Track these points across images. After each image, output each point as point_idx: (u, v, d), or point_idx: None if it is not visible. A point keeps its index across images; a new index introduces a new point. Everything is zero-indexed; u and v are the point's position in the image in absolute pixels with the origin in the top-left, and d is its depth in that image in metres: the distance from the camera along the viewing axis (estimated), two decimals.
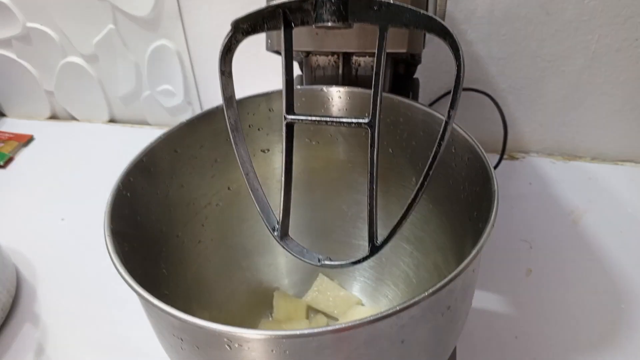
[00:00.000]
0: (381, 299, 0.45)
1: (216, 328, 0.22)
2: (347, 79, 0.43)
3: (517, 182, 0.62)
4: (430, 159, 0.25)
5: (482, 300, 0.48)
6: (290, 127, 0.28)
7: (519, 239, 0.54)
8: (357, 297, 0.46)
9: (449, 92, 0.64)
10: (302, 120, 0.28)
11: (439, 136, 0.25)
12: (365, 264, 0.47)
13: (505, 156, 0.64)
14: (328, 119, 0.27)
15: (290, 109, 0.28)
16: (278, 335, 0.22)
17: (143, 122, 0.77)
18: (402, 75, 0.47)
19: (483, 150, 0.32)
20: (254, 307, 0.46)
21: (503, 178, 0.62)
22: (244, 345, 0.23)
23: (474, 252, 0.25)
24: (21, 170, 0.71)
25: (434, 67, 0.63)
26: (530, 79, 0.61)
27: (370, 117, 0.26)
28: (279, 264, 0.47)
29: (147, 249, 0.35)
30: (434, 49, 0.62)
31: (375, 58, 0.24)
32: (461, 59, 0.25)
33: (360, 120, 0.26)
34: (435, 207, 0.39)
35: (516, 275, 0.50)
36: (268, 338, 0.22)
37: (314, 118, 0.27)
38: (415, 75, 0.50)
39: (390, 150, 0.41)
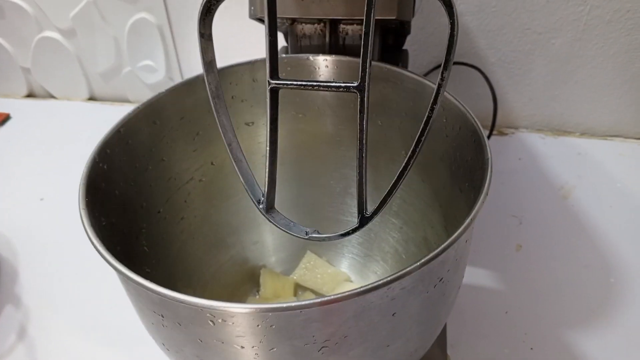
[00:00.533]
0: (370, 275, 0.45)
1: (198, 302, 0.21)
2: (334, 48, 0.42)
3: (506, 158, 0.61)
4: (423, 125, 0.24)
5: (472, 276, 0.47)
6: (274, 92, 0.27)
7: (509, 214, 0.54)
8: (346, 273, 0.45)
9: (439, 66, 0.62)
10: (287, 85, 0.26)
11: (432, 100, 0.24)
12: (353, 239, 0.46)
13: (494, 132, 0.63)
14: (314, 83, 0.26)
15: (274, 74, 0.27)
16: (263, 308, 0.21)
17: (124, 100, 0.75)
18: (391, 46, 0.46)
19: (475, 118, 0.31)
20: (240, 285, 0.45)
21: (493, 154, 0.62)
22: (228, 321, 0.22)
23: (467, 220, 0.24)
24: None
25: (422, 40, 0.61)
26: (520, 52, 0.60)
27: (359, 80, 0.25)
28: (266, 241, 0.46)
29: (127, 225, 0.34)
30: (422, 21, 0.60)
31: (365, 11, 0.23)
32: (455, 17, 0.23)
33: (349, 84, 0.25)
34: (424, 179, 0.38)
35: (506, 251, 0.50)
36: (253, 312, 0.21)
37: (300, 82, 0.26)
38: (404, 47, 0.48)
39: (379, 122, 0.39)
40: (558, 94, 0.63)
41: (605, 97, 0.61)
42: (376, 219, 0.27)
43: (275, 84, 0.27)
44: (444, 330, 0.42)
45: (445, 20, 0.64)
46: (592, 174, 0.58)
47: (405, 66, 0.46)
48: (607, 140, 0.63)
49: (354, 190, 0.46)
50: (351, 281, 0.45)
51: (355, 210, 0.29)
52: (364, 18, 0.24)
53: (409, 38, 0.48)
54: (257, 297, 0.44)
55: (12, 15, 0.69)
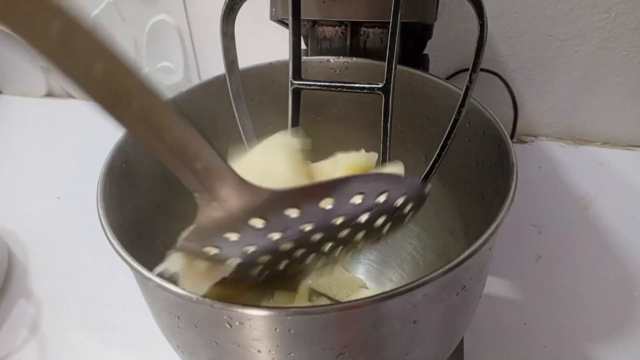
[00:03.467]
0: (386, 282, 0.44)
1: (216, 305, 0.21)
2: (354, 51, 0.41)
3: (525, 166, 0.60)
4: (449, 127, 0.24)
5: (490, 285, 0.46)
6: (297, 93, 0.27)
7: (529, 223, 0.53)
8: (362, 280, 0.45)
9: (458, 72, 0.62)
10: (310, 85, 0.26)
11: (459, 102, 0.23)
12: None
13: (513, 139, 0.63)
14: (338, 84, 0.25)
15: (297, 74, 0.26)
16: (282, 311, 0.21)
17: None
18: (412, 50, 0.45)
19: (500, 123, 0.30)
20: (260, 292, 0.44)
21: None
22: (245, 323, 0.22)
23: (492, 227, 0.23)
24: (15, 148, 0.69)
25: (442, 46, 0.61)
26: (542, 59, 0.59)
27: (384, 82, 0.24)
28: None
29: (143, 225, 0.33)
30: (442, 26, 0.59)
31: (392, 12, 0.22)
32: (485, 18, 0.23)
33: (374, 85, 0.25)
34: (445, 185, 0.37)
35: (525, 261, 0.49)
36: (272, 315, 0.21)
37: (323, 83, 0.26)
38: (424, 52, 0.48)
39: (399, 126, 0.39)
40: (580, 102, 0.61)
41: (628, 107, 0.60)
42: None
43: (298, 84, 0.26)
44: (460, 342, 0.41)
45: (466, 26, 0.63)
46: (614, 185, 0.57)
47: (425, 71, 0.45)
48: (630, 150, 0.62)
49: None
50: (367, 287, 0.44)
51: None
52: (391, 18, 0.23)
53: (428, 43, 0.48)
54: (272, 301, 0.43)
55: None
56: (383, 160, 0.25)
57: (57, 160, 0.66)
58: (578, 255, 0.49)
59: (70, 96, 0.78)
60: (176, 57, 0.68)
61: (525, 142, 0.64)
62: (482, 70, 0.60)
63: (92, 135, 0.69)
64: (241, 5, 0.27)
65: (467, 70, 0.62)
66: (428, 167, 0.24)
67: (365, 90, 0.25)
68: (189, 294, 0.21)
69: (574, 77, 0.60)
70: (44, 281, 0.49)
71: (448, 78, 0.62)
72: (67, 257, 0.52)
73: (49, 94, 0.79)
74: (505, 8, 0.56)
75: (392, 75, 0.24)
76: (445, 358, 0.30)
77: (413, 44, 0.46)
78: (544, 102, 0.62)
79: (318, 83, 0.26)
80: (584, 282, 0.46)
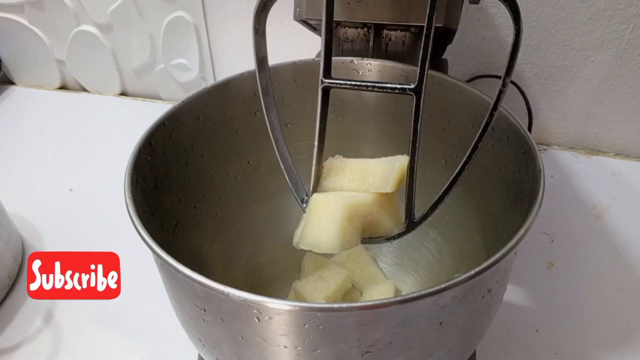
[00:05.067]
0: (400, 285, 0.44)
1: (247, 297, 0.21)
2: (376, 53, 0.41)
3: None
4: (480, 130, 0.24)
5: None
6: (326, 92, 0.27)
7: (540, 231, 0.53)
8: (384, 275, 0.44)
9: (474, 78, 0.62)
10: (340, 84, 0.26)
11: (492, 105, 0.23)
12: (384, 247, 0.45)
13: None
14: (369, 83, 0.26)
15: (327, 73, 0.26)
16: (313, 307, 0.21)
17: (155, 97, 0.75)
18: (431, 55, 0.45)
19: (525, 129, 0.30)
20: (269, 286, 0.44)
21: None
22: (274, 318, 0.22)
23: (522, 230, 0.24)
24: (28, 139, 0.69)
25: (459, 51, 0.61)
26: (558, 68, 0.59)
27: (416, 82, 0.24)
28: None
29: (164, 218, 0.34)
30: (460, 32, 0.59)
31: (427, 14, 0.23)
32: (521, 23, 0.23)
33: (405, 86, 0.25)
34: (464, 189, 0.37)
35: (537, 268, 0.49)
36: (302, 311, 0.21)
37: (353, 82, 0.26)
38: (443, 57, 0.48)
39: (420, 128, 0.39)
40: (594, 112, 0.61)
41: None
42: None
43: (329, 83, 0.26)
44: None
45: (483, 32, 0.63)
46: (626, 195, 0.57)
47: None
48: None
49: None
50: (387, 280, 0.44)
51: None
52: (426, 20, 0.24)
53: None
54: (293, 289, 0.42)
55: (52, 7, 0.69)
56: (411, 161, 0.25)
57: (69, 153, 0.66)
58: (590, 264, 0.49)
59: (83, 89, 0.78)
60: (192, 54, 0.68)
61: (539, 151, 0.64)
62: (497, 77, 0.61)
63: (104, 128, 0.70)
64: (274, 3, 0.27)
65: (483, 77, 0.62)
66: (457, 169, 0.24)
67: (397, 91, 0.25)
68: (219, 287, 0.21)
69: (588, 87, 0.60)
70: None
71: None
72: (79, 248, 0.52)
73: (63, 87, 0.79)
74: (523, 17, 0.56)
75: (425, 76, 0.24)
76: None
77: (434, 49, 0.46)
78: (558, 112, 0.63)
79: (349, 82, 0.26)
80: (596, 291, 0.46)
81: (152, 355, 0.42)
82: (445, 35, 0.43)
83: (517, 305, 0.46)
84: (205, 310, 0.24)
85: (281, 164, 0.29)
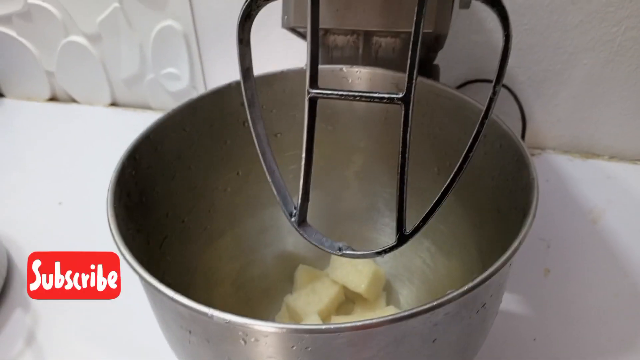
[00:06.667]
0: (395, 296, 0.43)
1: (231, 319, 0.20)
2: (366, 60, 0.41)
3: None
4: (472, 139, 0.23)
5: None
6: (313, 102, 0.26)
7: (536, 237, 0.52)
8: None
9: (465, 83, 0.61)
10: (327, 94, 0.25)
11: (482, 114, 0.23)
12: (378, 258, 0.45)
13: None
14: (356, 93, 0.25)
15: (314, 83, 0.26)
16: (300, 329, 0.20)
17: (146, 107, 0.74)
18: (422, 60, 0.45)
19: (518, 137, 0.30)
20: (260, 301, 0.43)
21: None
22: (261, 340, 0.21)
23: (515, 244, 0.23)
24: (17, 152, 0.68)
25: (449, 57, 0.60)
26: (551, 72, 0.59)
27: (405, 91, 0.24)
28: (288, 256, 0.45)
29: (151, 234, 0.33)
30: (450, 37, 0.59)
31: (415, 20, 0.22)
32: (509, 29, 0.22)
33: (393, 95, 0.24)
34: (458, 198, 0.37)
35: (534, 275, 0.48)
36: (289, 332, 0.20)
37: (340, 92, 0.25)
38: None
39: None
40: (588, 115, 0.61)
41: (636, 120, 0.60)
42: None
43: (315, 93, 0.26)
44: None
45: (474, 37, 0.63)
46: (622, 199, 0.56)
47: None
48: (638, 165, 0.61)
49: (380, 206, 0.45)
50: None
51: (384, 227, 0.27)
52: (413, 27, 0.23)
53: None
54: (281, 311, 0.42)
55: (40, 18, 0.69)
56: (402, 172, 0.25)
57: (60, 166, 0.65)
58: (587, 270, 0.49)
59: (73, 101, 0.77)
60: (182, 64, 0.68)
61: (533, 155, 0.64)
62: (490, 81, 0.60)
63: (94, 140, 0.69)
64: (258, 12, 0.27)
65: (474, 81, 0.62)
66: (449, 179, 0.24)
67: (385, 100, 0.24)
68: (203, 309, 0.20)
69: (581, 89, 0.59)
70: None
71: (457, 88, 0.62)
72: None
73: (53, 98, 0.78)
74: (515, 20, 0.56)
75: (413, 85, 0.23)
76: None
77: (424, 54, 0.45)
78: (551, 115, 0.62)
79: (335, 92, 0.25)
80: (593, 297, 0.46)
81: None
82: (436, 41, 0.42)
83: (514, 313, 0.45)
84: (190, 332, 0.23)
85: (268, 177, 0.28)
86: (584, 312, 0.45)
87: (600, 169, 0.61)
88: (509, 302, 0.46)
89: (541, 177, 0.59)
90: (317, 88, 0.26)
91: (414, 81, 0.23)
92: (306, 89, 0.26)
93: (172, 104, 0.35)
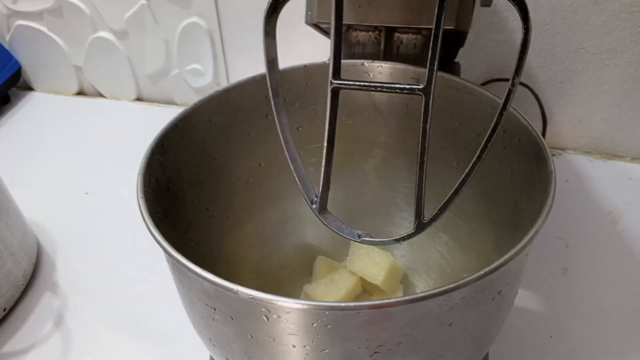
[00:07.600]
0: (412, 289, 0.44)
1: (255, 295, 0.21)
2: (387, 56, 0.41)
3: None
4: (490, 131, 0.24)
5: (517, 297, 0.46)
6: (336, 93, 0.27)
7: (555, 236, 0.52)
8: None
9: (487, 82, 0.62)
10: (349, 85, 0.26)
11: (501, 105, 0.23)
12: (395, 251, 0.45)
13: None
14: (378, 84, 0.26)
15: (337, 74, 0.27)
16: (321, 306, 0.21)
17: (170, 102, 0.76)
18: (443, 58, 0.45)
19: (537, 131, 0.30)
20: (279, 289, 0.44)
21: None
22: (282, 317, 0.22)
23: (531, 232, 0.23)
24: (46, 144, 0.71)
25: (472, 55, 0.61)
26: (572, 72, 0.59)
27: (425, 82, 0.24)
28: (308, 247, 0.46)
29: (176, 220, 0.34)
30: (473, 36, 0.59)
31: (436, 12, 0.23)
32: (529, 22, 0.23)
33: (414, 86, 0.25)
34: (476, 192, 0.37)
35: (552, 274, 0.48)
36: (310, 309, 0.21)
37: (362, 83, 0.26)
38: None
39: (431, 131, 0.39)
40: (609, 116, 0.61)
41: None
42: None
43: (338, 84, 0.27)
44: (485, 354, 0.40)
45: (496, 36, 0.63)
46: None
47: None
48: None
49: (399, 201, 0.46)
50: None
51: (403, 222, 0.28)
52: (435, 19, 0.24)
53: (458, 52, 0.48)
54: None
55: (70, 15, 0.71)
56: (421, 161, 0.25)
57: (86, 157, 0.67)
58: (605, 270, 0.48)
59: (100, 95, 0.80)
60: (206, 60, 0.69)
61: (553, 155, 0.63)
62: None
63: (120, 134, 0.71)
64: (284, 5, 0.27)
65: (496, 80, 0.62)
66: (467, 169, 0.24)
67: (406, 91, 0.25)
68: (229, 285, 0.21)
69: (603, 90, 0.59)
70: (71, 275, 0.50)
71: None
72: (93, 251, 0.53)
73: (80, 92, 0.81)
74: (537, 20, 0.56)
75: (433, 75, 0.24)
76: None
77: (445, 51, 0.46)
78: (572, 116, 0.62)
79: (358, 83, 0.26)
80: (611, 297, 0.46)
81: (164, 356, 0.42)
82: (456, 38, 0.43)
83: (532, 310, 0.45)
84: (215, 309, 0.24)
85: (291, 165, 0.29)
86: (601, 311, 0.45)
87: (622, 170, 0.61)
88: (527, 299, 0.46)
89: (561, 177, 0.60)
90: (340, 79, 0.27)
91: (434, 72, 0.24)
92: (329, 79, 0.27)
93: (196, 100, 0.36)
